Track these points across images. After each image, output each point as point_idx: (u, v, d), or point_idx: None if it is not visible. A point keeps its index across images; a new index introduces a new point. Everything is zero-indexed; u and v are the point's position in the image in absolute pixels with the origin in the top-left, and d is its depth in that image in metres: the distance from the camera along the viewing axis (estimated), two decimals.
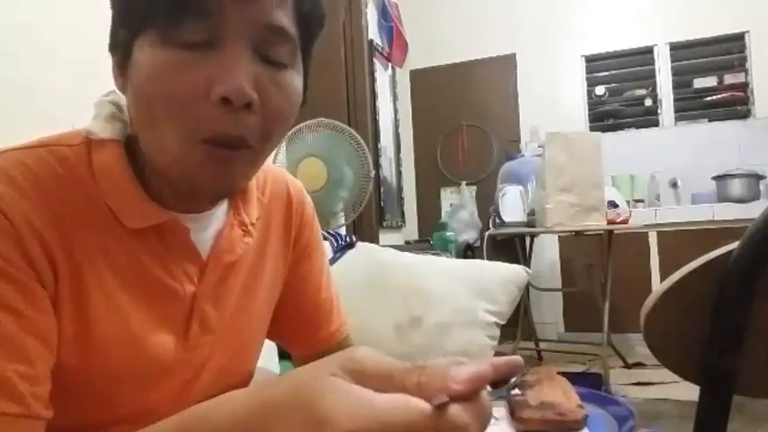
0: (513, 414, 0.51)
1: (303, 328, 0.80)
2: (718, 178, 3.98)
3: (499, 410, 0.51)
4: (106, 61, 0.58)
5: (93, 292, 0.56)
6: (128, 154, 0.59)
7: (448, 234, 3.69)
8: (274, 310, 0.76)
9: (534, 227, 3.25)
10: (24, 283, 0.50)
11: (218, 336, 0.66)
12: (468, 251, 3.95)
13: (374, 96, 4.12)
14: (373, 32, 4.18)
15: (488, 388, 0.51)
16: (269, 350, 1.26)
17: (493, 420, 0.44)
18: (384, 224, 4.21)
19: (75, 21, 1.72)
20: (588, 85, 4.62)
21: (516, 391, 0.56)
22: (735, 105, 4.31)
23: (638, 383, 3.01)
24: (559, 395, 0.53)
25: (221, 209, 0.66)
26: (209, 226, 0.64)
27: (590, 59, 4.62)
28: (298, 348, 0.83)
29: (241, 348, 0.71)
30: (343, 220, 2.56)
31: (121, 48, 0.54)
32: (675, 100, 4.43)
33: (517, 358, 0.50)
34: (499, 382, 0.55)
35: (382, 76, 4.40)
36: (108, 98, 0.62)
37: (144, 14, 0.51)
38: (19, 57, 1.58)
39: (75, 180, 0.56)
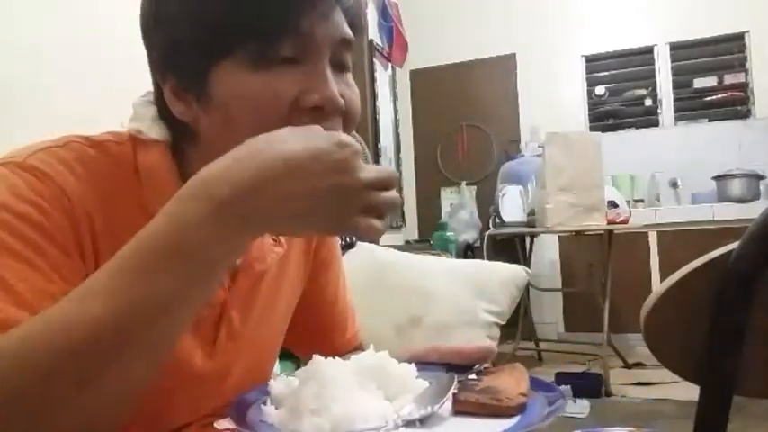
0: (454, 395, 0.52)
1: (318, 337, 0.81)
2: (718, 178, 3.98)
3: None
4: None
5: None
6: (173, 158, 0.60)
7: (448, 234, 3.70)
8: (291, 317, 0.77)
9: (534, 227, 3.25)
10: (70, 253, 0.52)
11: (241, 344, 0.66)
12: (468, 251, 3.95)
13: (374, 96, 4.13)
14: (373, 32, 4.18)
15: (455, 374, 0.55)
16: None
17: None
18: None
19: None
20: (588, 85, 4.62)
21: (473, 376, 0.57)
22: (735, 105, 4.31)
23: (638, 383, 3.01)
24: (509, 383, 0.54)
25: None
26: None
27: (590, 59, 4.62)
28: (309, 354, 0.83)
29: (261, 357, 0.72)
30: None
31: (191, 73, 0.56)
32: (675, 100, 4.43)
33: (491, 345, 0.60)
34: (467, 368, 0.58)
35: (382, 76, 4.40)
36: (147, 98, 0.62)
37: (229, 39, 0.54)
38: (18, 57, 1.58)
39: (123, 178, 0.58)
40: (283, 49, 0.54)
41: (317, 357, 0.55)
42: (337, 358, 0.56)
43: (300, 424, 0.48)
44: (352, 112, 0.59)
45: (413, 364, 0.58)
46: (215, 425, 0.69)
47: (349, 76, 0.60)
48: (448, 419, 0.51)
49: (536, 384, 0.56)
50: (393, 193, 0.48)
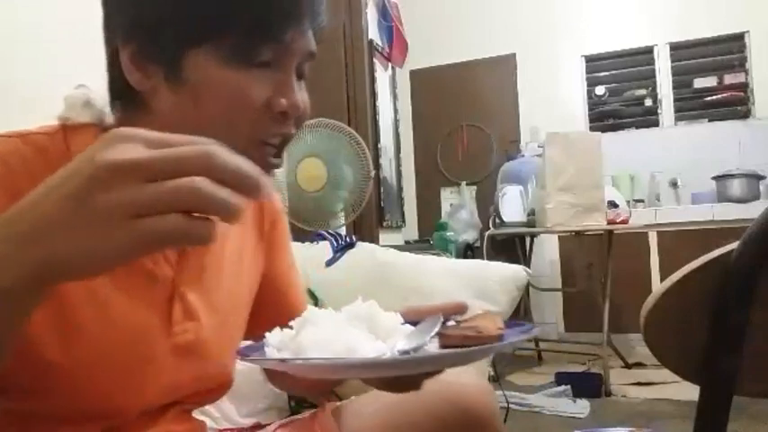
0: (439, 336, 0.58)
1: (274, 323, 0.82)
2: (718, 178, 3.98)
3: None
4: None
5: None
6: None
7: (448, 234, 3.69)
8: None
9: (534, 227, 3.25)
10: None
11: (204, 323, 0.66)
12: (468, 251, 3.94)
13: (374, 96, 4.12)
14: (373, 32, 4.18)
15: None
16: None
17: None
18: (384, 224, 4.21)
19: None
20: (588, 85, 4.61)
21: (452, 322, 0.63)
22: (735, 105, 4.31)
23: (638, 383, 3.01)
24: (487, 322, 0.60)
25: None
26: None
27: (590, 59, 4.62)
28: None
29: (228, 334, 0.71)
30: (343, 220, 2.55)
31: (165, 50, 0.58)
32: (675, 100, 4.43)
33: (463, 301, 0.64)
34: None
35: (382, 76, 4.40)
36: (79, 90, 0.63)
37: (217, 31, 0.57)
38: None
39: (52, 167, 0.57)
40: (263, 54, 0.59)
41: (311, 308, 0.59)
42: (329, 308, 0.60)
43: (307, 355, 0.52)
44: (305, 117, 0.64)
45: (398, 314, 0.62)
46: (194, 414, 0.70)
47: (303, 83, 0.65)
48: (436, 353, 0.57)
49: (509, 324, 0.62)
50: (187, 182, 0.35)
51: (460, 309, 0.65)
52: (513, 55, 4.73)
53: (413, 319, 0.64)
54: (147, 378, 0.62)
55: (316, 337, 0.53)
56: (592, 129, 4.49)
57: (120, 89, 0.61)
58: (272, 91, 0.60)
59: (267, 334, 0.57)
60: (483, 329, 0.57)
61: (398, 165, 4.72)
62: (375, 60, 4.17)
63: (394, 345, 0.55)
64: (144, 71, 0.59)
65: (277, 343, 0.56)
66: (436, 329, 0.58)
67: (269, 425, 0.87)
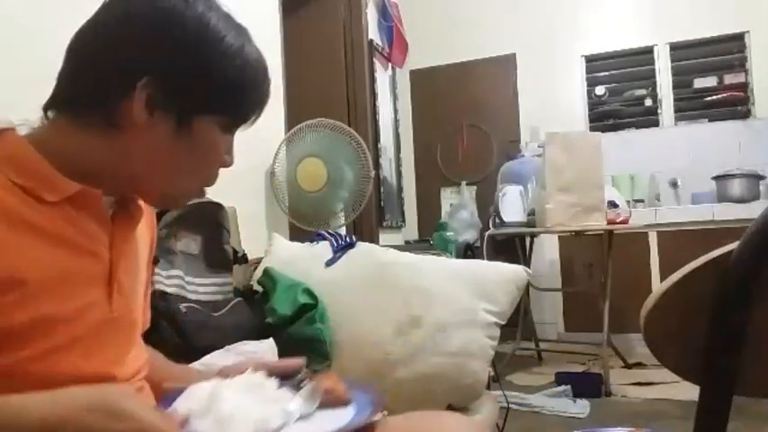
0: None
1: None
2: (718, 178, 3.98)
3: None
4: None
5: (22, 260, 0.63)
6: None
7: (448, 234, 3.68)
8: None
9: (534, 227, 3.25)
10: None
11: (126, 298, 0.75)
12: (468, 251, 3.94)
13: (374, 96, 4.12)
14: (373, 32, 4.18)
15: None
16: (270, 350, 1.26)
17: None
18: (384, 224, 4.21)
19: None
20: (588, 85, 4.61)
21: (306, 381, 0.80)
22: (735, 105, 4.31)
23: (638, 383, 3.01)
24: (331, 383, 0.79)
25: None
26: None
27: (590, 59, 4.62)
28: None
29: (139, 312, 0.81)
30: (343, 220, 2.55)
31: (185, 107, 0.71)
32: (675, 100, 4.42)
33: (299, 360, 0.85)
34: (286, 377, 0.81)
35: (382, 76, 4.40)
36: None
37: (229, 109, 0.74)
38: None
39: None
40: (239, 128, 0.78)
41: (216, 382, 0.74)
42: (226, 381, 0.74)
43: None
44: None
45: (274, 378, 0.78)
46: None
47: None
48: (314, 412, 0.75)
49: (351, 386, 0.81)
50: None
51: (297, 368, 0.84)
52: (513, 55, 4.73)
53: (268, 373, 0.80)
54: (94, 345, 0.69)
55: (232, 411, 0.65)
56: (592, 129, 4.49)
57: (97, 106, 0.69)
58: (226, 150, 0.77)
59: (176, 403, 0.70)
60: (335, 392, 0.77)
61: (398, 165, 4.72)
62: (375, 60, 4.17)
63: (289, 408, 0.72)
64: (151, 112, 0.68)
65: (195, 415, 0.66)
66: (319, 394, 0.76)
67: None
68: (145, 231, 0.85)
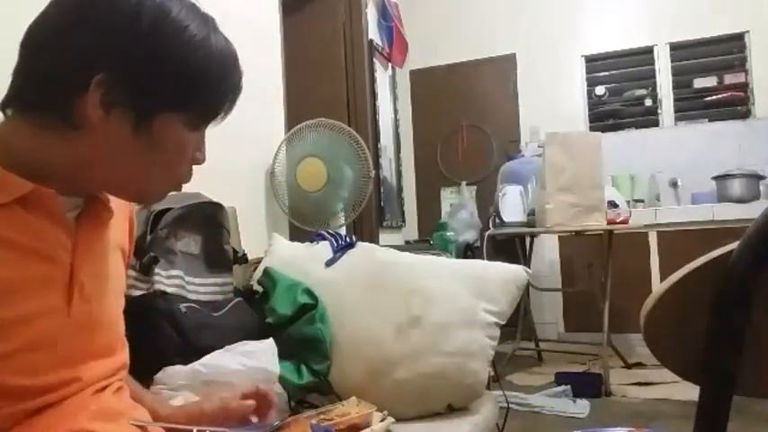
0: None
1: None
2: (718, 178, 3.98)
3: None
4: None
5: None
6: None
7: (448, 234, 3.68)
8: None
9: (534, 227, 3.25)
10: None
11: (94, 302, 0.72)
12: (468, 251, 3.94)
13: (374, 96, 4.12)
14: (373, 32, 4.18)
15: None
16: (270, 350, 1.26)
17: None
18: (384, 224, 4.21)
19: None
20: (588, 85, 4.61)
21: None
22: (735, 105, 4.31)
23: (638, 383, 3.01)
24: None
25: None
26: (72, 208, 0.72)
27: (590, 59, 4.62)
28: None
29: (114, 312, 0.79)
30: (343, 220, 2.55)
31: (143, 104, 0.67)
32: (675, 100, 4.42)
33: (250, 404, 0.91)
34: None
35: (382, 76, 4.40)
36: None
37: (192, 104, 0.70)
38: None
39: None
40: (207, 125, 0.74)
41: None
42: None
43: None
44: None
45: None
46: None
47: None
48: None
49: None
50: None
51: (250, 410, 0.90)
52: (513, 55, 4.73)
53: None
54: (54, 351, 0.67)
55: None
56: (592, 129, 4.49)
57: (51, 104, 0.65)
58: (196, 148, 0.74)
59: None
60: None
61: (398, 165, 4.72)
62: (375, 60, 4.17)
63: None
64: (108, 110, 0.65)
65: None
66: None
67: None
68: (119, 230, 0.82)
